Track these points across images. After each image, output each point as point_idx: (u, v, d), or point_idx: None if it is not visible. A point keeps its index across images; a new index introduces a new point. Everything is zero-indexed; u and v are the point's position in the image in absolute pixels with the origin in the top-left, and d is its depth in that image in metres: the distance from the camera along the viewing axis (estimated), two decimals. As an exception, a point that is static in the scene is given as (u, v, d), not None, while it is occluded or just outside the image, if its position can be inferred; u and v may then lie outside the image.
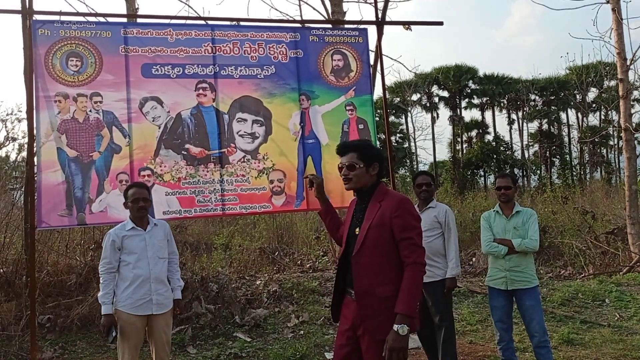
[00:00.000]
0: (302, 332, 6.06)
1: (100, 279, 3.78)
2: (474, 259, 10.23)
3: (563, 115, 41.07)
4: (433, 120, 40.40)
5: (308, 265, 9.20)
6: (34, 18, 4.88)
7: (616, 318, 6.30)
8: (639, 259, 9.04)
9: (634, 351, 5.22)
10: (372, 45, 6.42)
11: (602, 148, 38.16)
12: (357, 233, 2.88)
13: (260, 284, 7.47)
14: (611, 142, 36.35)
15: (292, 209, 5.33)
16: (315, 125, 5.41)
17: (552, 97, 40.04)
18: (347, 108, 5.51)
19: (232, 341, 5.76)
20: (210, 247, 11.30)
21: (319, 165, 5.37)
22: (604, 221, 11.57)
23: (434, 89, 41.46)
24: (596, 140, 33.81)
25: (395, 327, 2.65)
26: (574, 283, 7.82)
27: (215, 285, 6.92)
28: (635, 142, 10.99)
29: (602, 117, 37.72)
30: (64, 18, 4.98)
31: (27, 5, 4.97)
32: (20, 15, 5.16)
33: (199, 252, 10.54)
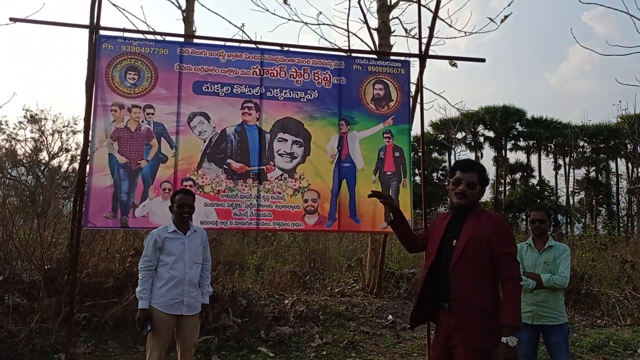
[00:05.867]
0: (324, 352, 6.13)
1: (139, 275, 4.00)
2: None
3: (612, 164, 40.02)
4: (477, 160, 40.00)
5: (337, 290, 9.26)
6: (100, 33, 5.29)
7: (647, 369, 6.12)
8: (679, 313, 8.71)
9: (661, 403, 5.06)
10: (415, 78, 6.60)
11: (653, 201, 36.83)
12: (454, 245, 3.01)
13: (288, 303, 7.59)
14: (662, 195, 35.08)
15: (324, 229, 5.49)
16: (352, 150, 5.59)
17: (602, 145, 39.10)
18: (385, 135, 5.67)
19: (256, 354, 5.88)
20: (243, 267, 11.51)
21: (352, 188, 5.53)
22: (645, 273, 11.19)
23: (480, 128, 41.22)
24: (646, 191, 32.73)
25: (504, 339, 2.78)
26: (606, 330, 7.62)
27: (244, 300, 7.08)
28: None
29: (654, 168, 36.54)
30: (126, 35, 5.37)
31: (95, 22, 5.38)
32: (88, 30, 5.57)
33: (232, 270, 10.75)
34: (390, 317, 7.66)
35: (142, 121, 5.22)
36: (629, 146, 36.31)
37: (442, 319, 3.05)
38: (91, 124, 5.13)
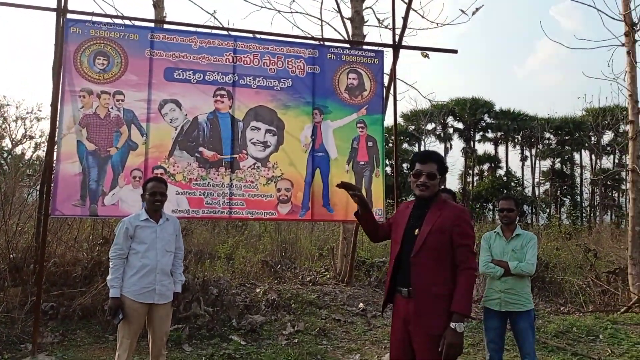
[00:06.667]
0: (296, 340, 6.16)
1: (110, 263, 3.94)
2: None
3: (577, 156, 41.07)
4: (446, 151, 40.55)
5: (308, 279, 9.30)
6: (67, 16, 5.15)
7: (607, 353, 6.32)
8: (638, 299, 9.03)
9: (621, 386, 5.25)
10: (388, 69, 6.63)
11: (614, 192, 37.98)
12: (416, 234, 3.07)
13: (259, 292, 7.59)
14: (624, 187, 36.19)
15: (297, 218, 5.50)
16: (325, 139, 5.60)
17: (567, 137, 40.08)
18: (358, 125, 5.69)
19: (227, 343, 5.87)
20: (214, 256, 11.44)
21: (326, 178, 5.55)
22: (606, 261, 11.57)
23: (450, 120, 41.72)
24: (608, 183, 33.72)
25: (453, 324, 2.87)
26: (569, 317, 7.85)
27: (216, 289, 7.05)
28: (643, 185, 10.98)
29: (616, 160, 37.61)
30: (95, 19, 5.25)
31: (62, 4, 5.23)
32: (55, 13, 5.41)
33: (202, 259, 10.67)
34: (361, 305, 7.73)
35: (112, 108, 5.13)
36: (592, 138, 37.30)
37: (399, 303, 3.12)
38: (59, 109, 5.01)
